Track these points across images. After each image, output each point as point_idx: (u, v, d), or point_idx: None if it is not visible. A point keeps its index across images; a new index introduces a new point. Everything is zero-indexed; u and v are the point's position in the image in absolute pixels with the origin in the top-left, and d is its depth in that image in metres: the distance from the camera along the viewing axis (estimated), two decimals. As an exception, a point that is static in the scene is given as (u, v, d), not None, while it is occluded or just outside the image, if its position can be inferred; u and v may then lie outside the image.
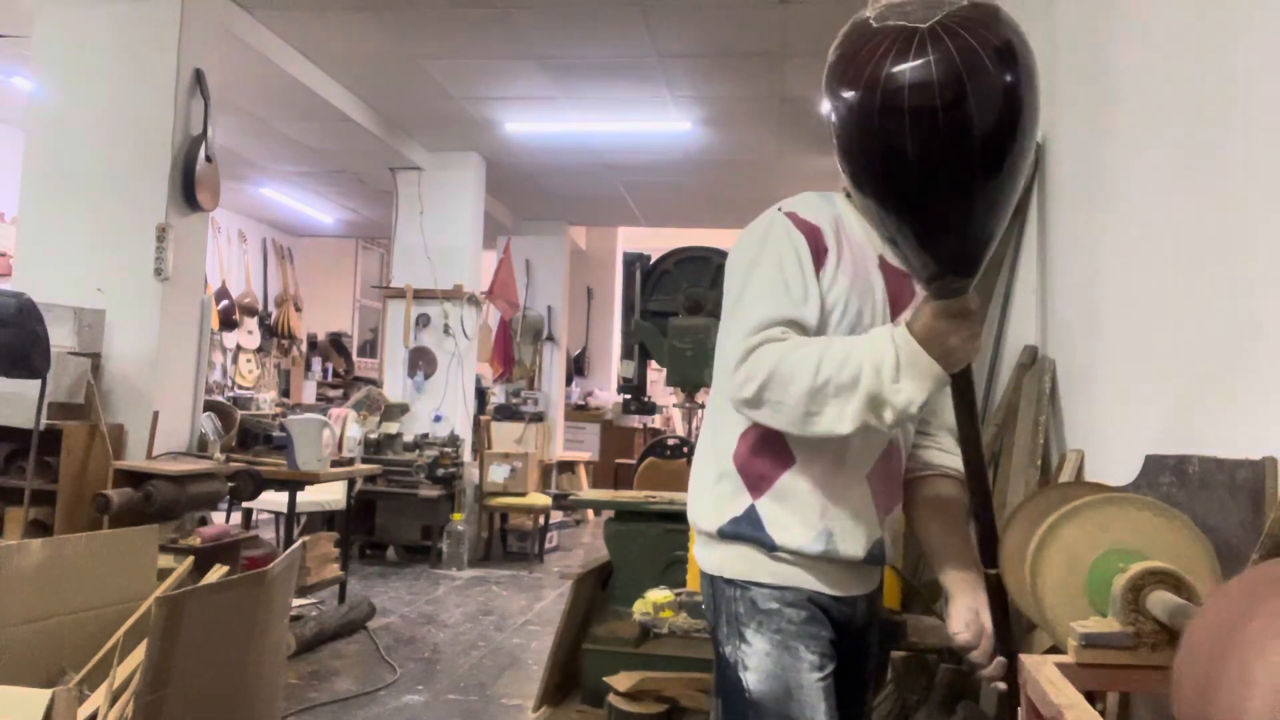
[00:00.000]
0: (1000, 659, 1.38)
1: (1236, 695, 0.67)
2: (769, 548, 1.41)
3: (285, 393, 9.61)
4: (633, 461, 7.58)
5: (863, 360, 1.23)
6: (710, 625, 1.49)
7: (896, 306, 1.45)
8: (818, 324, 1.36)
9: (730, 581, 1.44)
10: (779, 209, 1.43)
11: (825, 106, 1.20)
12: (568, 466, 8.96)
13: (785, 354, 1.28)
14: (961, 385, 1.29)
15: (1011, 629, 1.40)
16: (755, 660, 1.39)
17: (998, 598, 1.39)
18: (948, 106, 1.06)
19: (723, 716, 1.45)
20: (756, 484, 1.42)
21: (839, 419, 1.25)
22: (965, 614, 1.41)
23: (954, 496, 1.54)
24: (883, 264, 1.45)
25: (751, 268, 1.39)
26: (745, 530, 1.42)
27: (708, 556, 1.48)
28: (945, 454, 1.57)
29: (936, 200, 1.13)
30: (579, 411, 10.17)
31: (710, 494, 1.47)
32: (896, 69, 1.07)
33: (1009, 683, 1.38)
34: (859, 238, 1.44)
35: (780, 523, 1.41)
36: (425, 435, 6.78)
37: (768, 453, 1.42)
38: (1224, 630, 0.73)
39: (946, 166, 1.10)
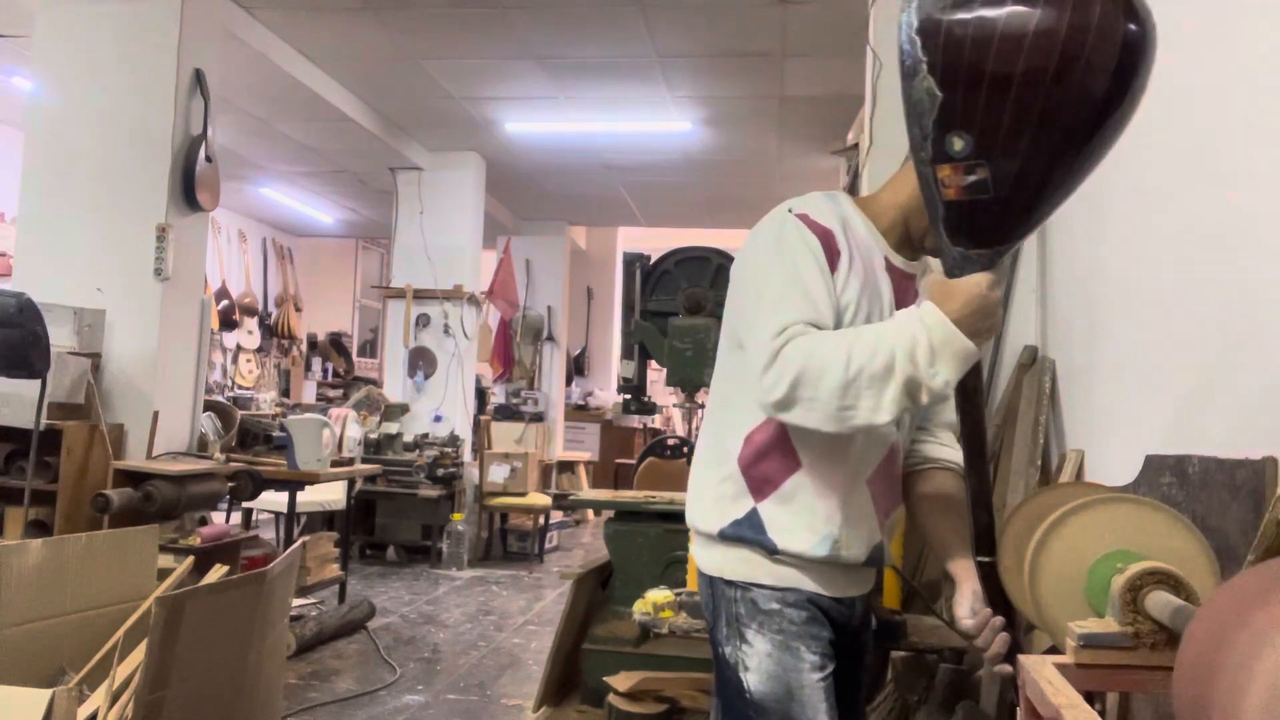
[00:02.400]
0: (1002, 636, 1.37)
1: (1234, 694, 0.67)
2: (770, 551, 1.41)
3: (285, 393, 9.62)
4: (633, 461, 7.58)
5: (895, 346, 1.22)
6: (709, 625, 1.49)
7: (900, 307, 1.43)
8: (835, 328, 1.34)
9: (730, 583, 1.44)
10: (789, 210, 1.41)
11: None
12: (568, 466, 8.96)
13: (812, 350, 1.26)
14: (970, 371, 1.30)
15: (1012, 615, 1.40)
16: (756, 661, 1.39)
17: (993, 586, 1.39)
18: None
19: (723, 717, 1.45)
20: (760, 487, 1.42)
21: (876, 409, 1.23)
22: (971, 600, 1.41)
23: (956, 490, 1.53)
24: (888, 265, 1.45)
25: (769, 271, 1.37)
26: (746, 533, 1.42)
27: (707, 558, 1.48)
28: (947, 448, 1.58)
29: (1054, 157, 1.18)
30: (579, 411, 10.17)
31: (712, 495, 1.47)
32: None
33: (1012, 663, 1.37)
34: (865, 239, 1.43)
35: (782, 526, 1.40)
36: (425, 435, 6.78)
37: (774, 456, 1.41)
38: (1221, 630, 0.73)
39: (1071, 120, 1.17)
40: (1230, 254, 1.64)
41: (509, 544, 7.22)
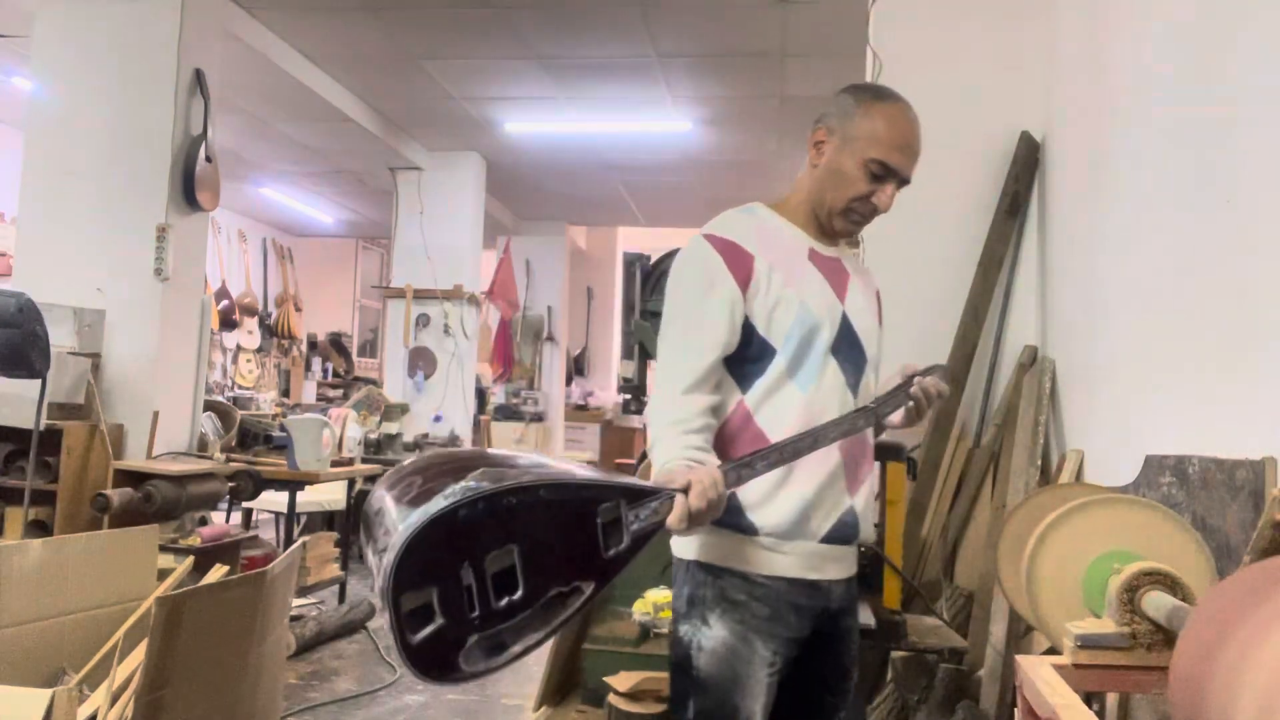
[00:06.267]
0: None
1: (1229, 694, 0.67)
2: (749, 532, 1.45)
3: (285, 393, 9.61)
4: (633, 461, 7.57)
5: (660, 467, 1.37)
6: (674, 603, 1.54)
7: (839, 289, 1.56)
8: (729, 338, 1.47)
9: (705, 566, 1.48)
10: (701, 233, 1.53)
11: None
12: (568, 466, 8.94)
13: (663, 430, 1.41)
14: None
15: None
16: (712, 645, 1.44)
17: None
18: None
19: (670, 689, 1.51)
20: None
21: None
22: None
23: None
24: (813, 255, 1.56)
25: (674, 304, 1.51)
26: (726, 515, 1.43)
27: (685, 542, 1.52)
28: None
29: None
30: (579, 411, 10.17)
31: None
32: None
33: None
34: (786, 236, 1.56)
35: (759, 505, 1.45)
36: (425, 435, 6.78)
37: (743, 439, 1.47)
38: (1217, 630, 0.73)
39: None
40: (1230, 255, 1.64)
41: (509, 544, 7.21)
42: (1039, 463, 2.61)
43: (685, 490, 1.22)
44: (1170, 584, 1.13)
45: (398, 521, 1.04)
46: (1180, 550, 1.23)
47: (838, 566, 1.53)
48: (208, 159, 4.25)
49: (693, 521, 1.23)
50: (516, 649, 1.09)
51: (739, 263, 1.47)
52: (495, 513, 1.07)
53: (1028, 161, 2.97)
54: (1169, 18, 1.99)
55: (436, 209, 7.15)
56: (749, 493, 1.45)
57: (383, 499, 1.11)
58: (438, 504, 1.03)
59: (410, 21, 4.79)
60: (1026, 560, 1.28)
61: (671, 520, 1.22)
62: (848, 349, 1.53)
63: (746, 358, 1.48)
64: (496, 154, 7.13)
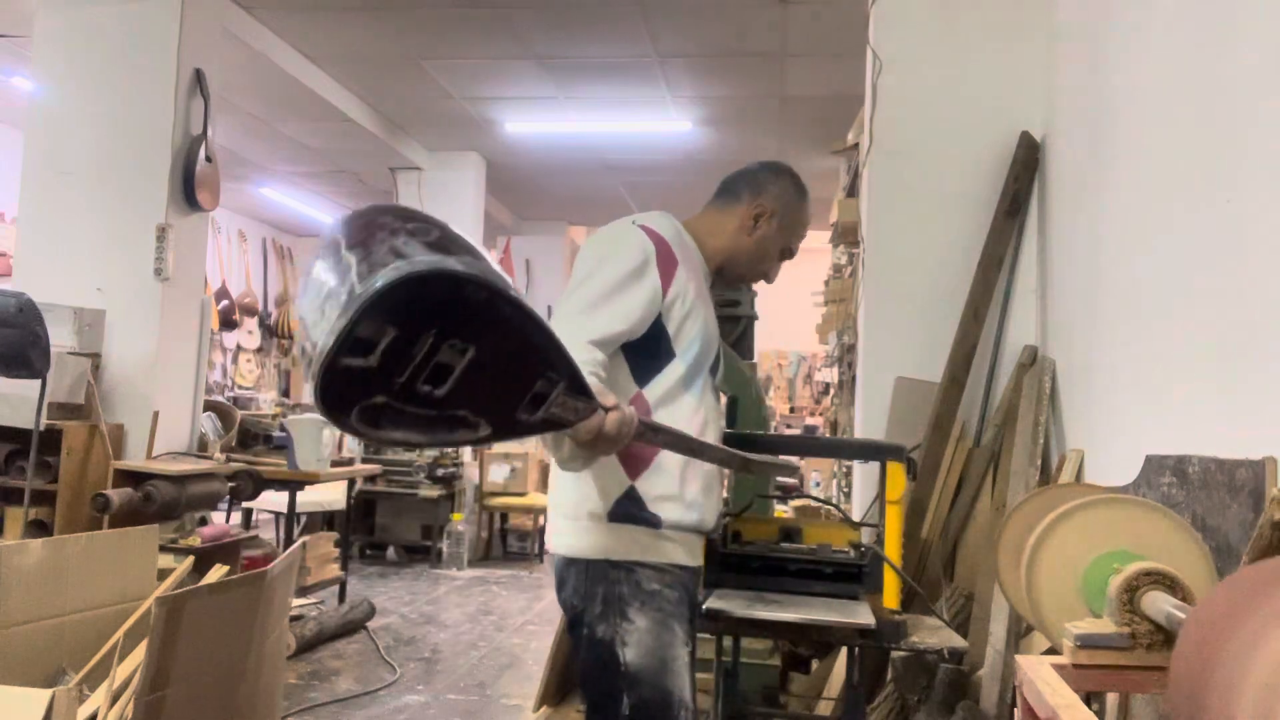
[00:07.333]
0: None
1: (1228, 694, 0.67)
2: (655, 526, 1.51)
3: (285, 393, 9.62)
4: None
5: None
6: (574, 608, 1.54)
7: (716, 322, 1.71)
8: (639, 324, 1.50)
9: (615, 564, 1.51)
10: (633, 221, 1.60)
11: None
12: (568, 466, 8.96)
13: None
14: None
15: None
16: (636, 637, 1.48)
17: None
18: None
19: (586, 696, 1.54)
20: (633, 465, 1.52)
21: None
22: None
23: None
24: (708, 284, 1.71)
25: (598, 267, 1.52)
26: (632, 510, 1.51)
27: (592, 541, 1.54)
28: None
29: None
30: (579, 411, 10.18)
31: (591, 480, 1.54)
32: None
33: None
34: (695, 258, 1.67)
35: (659, 498, 1.52)
36: (426, 435, 6.78)
37: None
38: (1216, 630, 0.73)
39: None
40: (1230, 255, 1.64)
41: (509, 544, 7.23)
42: (1039, 463, 2.61)
43: (608, 411, 1.19)
44: (1170, 584, 1.13)
45: (410, 251, 0.94)
46: (1180, 550, 1.23)
47: (702, 551, 1.67)
48: (208, 159, 4.25)
49: (594, 442, 1.19)
50: (391, 434, 1.00)
51: (667, 264, 1.54)
52: (485, 310, 0.98)
53: (1028, 161, 2.97)
54: (1169, 17, 1.99)
55: (436, 209, 7.15)
56: (652, 486, 1.51)
57: (392, 223, 0.99)
58: (456, 264, 0.95)
59: (410, 21, 4.79)
60: (1026, 560, 1.28)
61: (583, 427, 1.16)
62: (719, 376, 1.68)
63: (648, 352, 1.53)
64: (496, 154, 7.13)
